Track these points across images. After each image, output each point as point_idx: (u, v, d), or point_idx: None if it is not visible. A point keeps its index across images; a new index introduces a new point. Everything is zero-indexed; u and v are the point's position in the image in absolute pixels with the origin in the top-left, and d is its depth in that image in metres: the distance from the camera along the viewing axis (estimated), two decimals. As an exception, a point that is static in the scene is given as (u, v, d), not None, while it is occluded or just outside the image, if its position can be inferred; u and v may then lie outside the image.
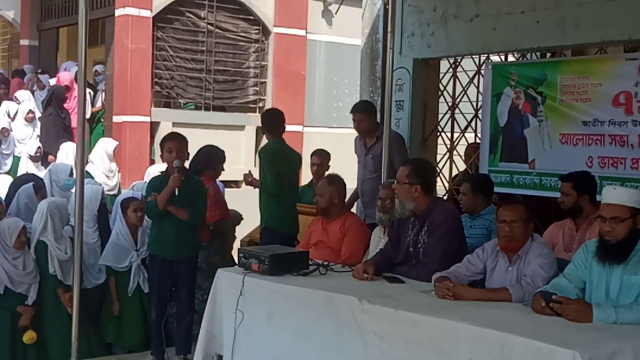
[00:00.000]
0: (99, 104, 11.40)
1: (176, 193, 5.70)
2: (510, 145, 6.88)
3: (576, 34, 6.22)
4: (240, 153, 11.28)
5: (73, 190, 6.17)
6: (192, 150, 6.12)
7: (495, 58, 7.78)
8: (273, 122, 6.82)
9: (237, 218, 7.21)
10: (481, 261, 4.39)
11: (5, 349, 5.68)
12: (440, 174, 7.79)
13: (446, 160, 7.88)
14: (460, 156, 7.97)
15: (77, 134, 5.15)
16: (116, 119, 10.78)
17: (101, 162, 8.94)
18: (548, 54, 7.67)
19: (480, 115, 7.49)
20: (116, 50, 10.76)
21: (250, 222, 7.31)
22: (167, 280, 5.87)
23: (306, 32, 12.32)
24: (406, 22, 7.56)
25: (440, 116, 7.86)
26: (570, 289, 3.83)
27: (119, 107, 10.76)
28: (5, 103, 10.69)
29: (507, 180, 6.86)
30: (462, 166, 8.08)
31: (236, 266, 4.96)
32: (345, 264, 5.19)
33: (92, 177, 8.27)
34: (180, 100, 11.46)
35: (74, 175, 6.48)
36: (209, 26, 11.39)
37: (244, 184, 7.52)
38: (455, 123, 7.85)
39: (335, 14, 12.33)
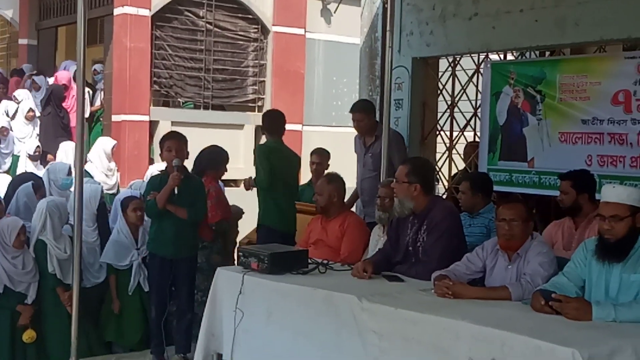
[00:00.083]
0: (97, 103, 11.39)
1: (176, 192, 5.70)
2: (510, 143, 6.88)
3: (575, 32, 6.22)
4: (239, 152, 11.23)
5: (71, 189, 6.18)
6: (191, 149, 6.10)
7: (494, 57, 7.77)
8: (274, 123, 6.82)
9: (239, 212, 7.20)
10: (481, 260, 4.39)
11: (5, 348, 5.68)
12: (440, 173, 7.80)
13: (445, 159, 7.87)
14: (460, 155, 7.96)
15: (76, 133, 5.13)
16: (115, 118, 10.75)
17: (100, 161, 8.93)
18: (547, 53, 7.67)
19: (479, 114, 7.49)
20: (115, 49, 10.73)
21: (249, 222, 7.30)
22: (167, 279, 5.87)
23: (305, 31, 12.29)
24: (405, 21, 7.56)
25: (439, 115, 7.85)
26: (570, 287, 3.83)
27: (117, 106, 10.73)
28: (4, 102, 10.66)
29: (506, 179, 6.86)
30: (461, 165, 8.08)
31: (236, 265, 4.96)
32: (344, 263, 5.19)
33: (91, 176, 8.27)
34: (179, 99, 11.43)
35: (72, 175, 6.49)
36: (208, 25, 11.36)
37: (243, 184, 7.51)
38: (454, 122, 7.84)
39: (334, 12, 12.28)
